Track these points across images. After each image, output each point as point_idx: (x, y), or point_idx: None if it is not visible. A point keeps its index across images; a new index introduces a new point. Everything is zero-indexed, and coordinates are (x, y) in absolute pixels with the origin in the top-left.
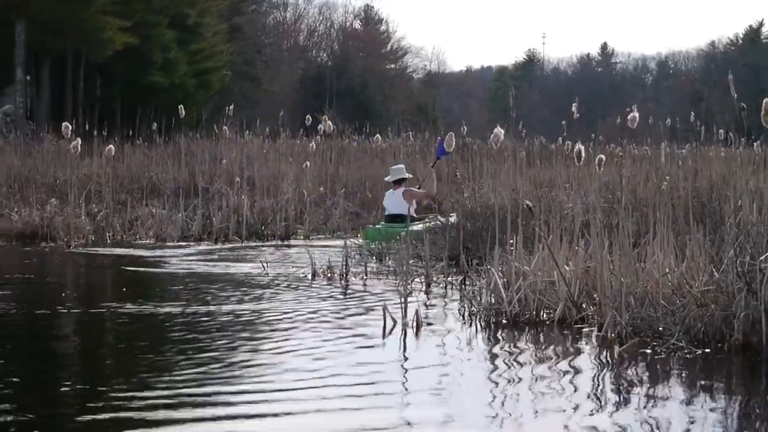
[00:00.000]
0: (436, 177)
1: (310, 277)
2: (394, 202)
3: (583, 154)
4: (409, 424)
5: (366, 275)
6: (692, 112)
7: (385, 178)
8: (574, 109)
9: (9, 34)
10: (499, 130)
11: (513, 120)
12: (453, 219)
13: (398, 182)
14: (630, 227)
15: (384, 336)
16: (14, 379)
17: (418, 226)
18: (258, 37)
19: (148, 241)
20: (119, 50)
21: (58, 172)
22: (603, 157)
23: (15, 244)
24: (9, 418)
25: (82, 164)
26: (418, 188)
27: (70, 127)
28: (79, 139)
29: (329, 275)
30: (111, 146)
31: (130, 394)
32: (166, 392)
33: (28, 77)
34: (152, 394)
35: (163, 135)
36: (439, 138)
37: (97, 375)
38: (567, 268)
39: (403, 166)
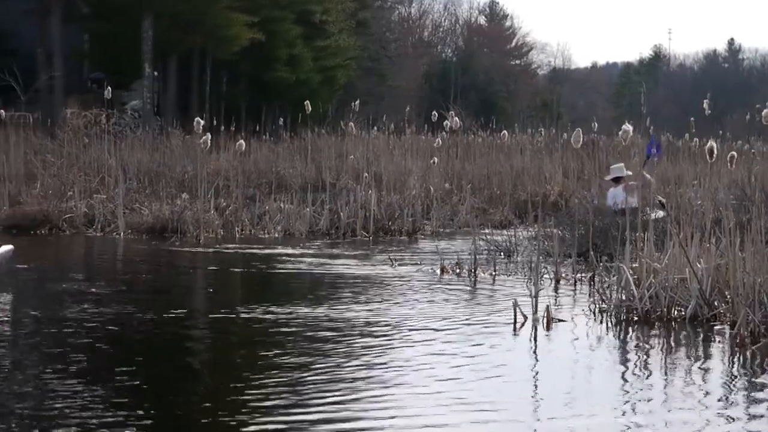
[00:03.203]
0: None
1: (438, 273)
2: (618, 198)
3: (715, 151)
4: (539, 419)
5: (494, 271)
6: None
7: (605, 177)
8: (705, 105)
9: (137, 31)
10: (628, 127)
11: (644, 116)
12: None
13: (617, 180)
14: (762, 224)
15: (514, 331)
16: (143, 385)
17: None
18: (383, 33)
19: (276, 236)
20: (245, 46)
21: (186, 167)
22: (735, 153)
23: (145, 237)
24: (138, 418)
25: (210, 159)
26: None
27: (201, 122)
28: (209, 134)
29: (458, 271)
30: (242, 141)
31: (261, 393)
32: (295, 395)
33: (156, 73)
34: (283, 398)
35: (288, 131)
36: (652, 138)
37: (223, 378)
38: (698, 266)
39: (622, 165)
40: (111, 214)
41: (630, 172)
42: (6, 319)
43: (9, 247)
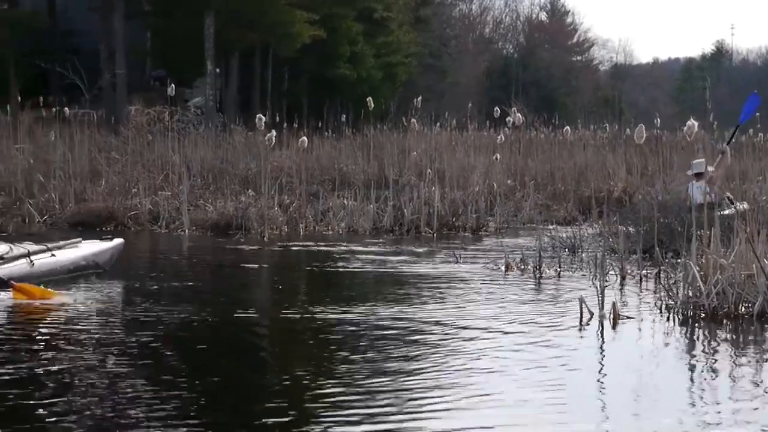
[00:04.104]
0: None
1: (503, 269)
2: (699, 193)
3: None
4: (606, 417)
5: (559, 268)
6: None
7: (687, 172)
8: None
9: (199, 28)
10: (692, 123)
11: (708, 111)
12: (743, 206)
13: (698, 175)
14: None
15: (580, 328)
16: (212, 378)
17: (726, 212)
18: (443, 29)
19: (339, 232)
20: (307, 43)
21: (249, 164)
22: None
23: (210, 234)
24: (207, 419)
25: (273, 156)
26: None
27: (264, 119)
28: (274, 131)
29: (522, 268)
30: (304, 138)
31: (328, 397)
32: (362, 397)
33: (218, 70)
34: (352, 398)
35: (350, 127)
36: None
37: (292, 378)
38: (766, 261)
39: (703, 160)
40: (175, 211)
41: (711, 168)
42: (78, 317)
43: (120, 240)
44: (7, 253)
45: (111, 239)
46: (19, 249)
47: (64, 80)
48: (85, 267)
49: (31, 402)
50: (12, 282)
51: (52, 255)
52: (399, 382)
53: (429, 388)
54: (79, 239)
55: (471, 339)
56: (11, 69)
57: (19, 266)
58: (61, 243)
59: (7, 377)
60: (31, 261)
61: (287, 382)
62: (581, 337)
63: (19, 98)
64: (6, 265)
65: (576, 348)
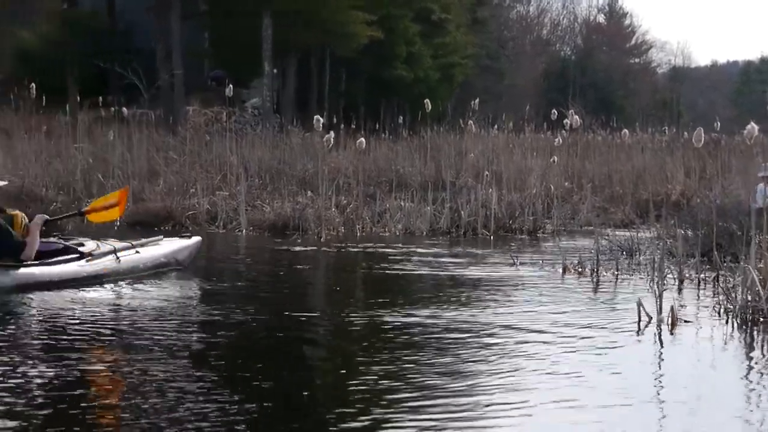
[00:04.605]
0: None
1: (560, 272)
2: (761, 196)
3: None
4: (666, 423)
5: (617, 270)
6: None
7: (759, 174)
8: None
9: (256, 29)
10: (752, 126)
11: None
12: None
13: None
14: None
15: (638, 332)
16: (272, 382)
17: None
18: (501, 31)
19: (396, 234)
20: (364, 44)
21: (307, 165)
22: None
23: (267, 235)
24: (264, 422)
25: (330, 157)
26: None
27: (321, 120)
28: (332, 132)
29: (580, 270)
30: (362, 139)
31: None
32: (419, 402)
33: (275, 71)
34: (410, 402)
35: (407, 128)
36: None
37: (341, 385)
38: None
39: None
40: (233, 211)
41: None
42: (135, 317)
43: (198, 238)
44: (95, 249)
45: (189, 237)
46: (105, 246)
47: (123, 80)
48: (166, 264)
49: (83, 404)
50: (82, 210)
51: (137, 252)
52: (461, 385)
53: (488, 392)
54: (161, 237)
55: (529, 342)
56: (71, 69)
57: (106, 262)
58: (144, 240)
59: (57, 377)
60: (118, 257)
61: (351, 387)
62: (639, 340)
63: (78, 98)
64: (94, 261)
65: (634, 351)
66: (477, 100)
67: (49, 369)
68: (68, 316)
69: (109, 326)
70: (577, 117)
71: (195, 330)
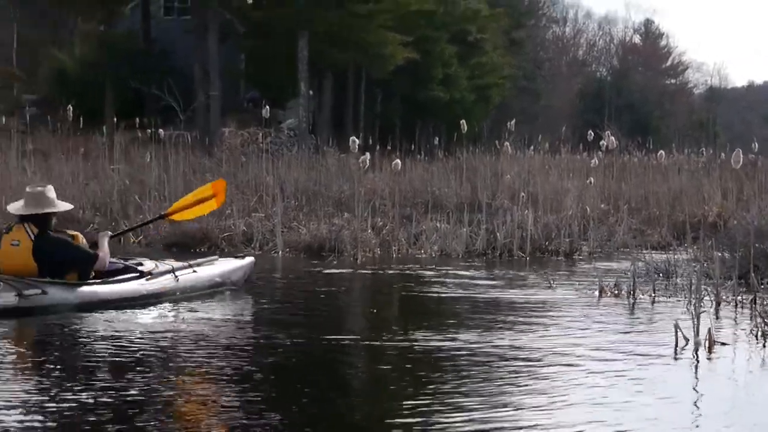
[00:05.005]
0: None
1: (597, 294)
2: None
3: None
4: None
5: (654, 293)
6: None
7: None
8: None
9: (292, 50)
10: None
11: None
12: None
13: None
14: None
15: (676, 354)
16: (308, 407)
17: None
18: (537, 51)
19: (432, 255)
20: (400, 65)
21: (343, 186)
22: None
23: (303, 256)
24: None
25: (366, 178)
26: None
27: (357, 141)
28: (368, 154)
29: (616, 293)
30: (398, 160)
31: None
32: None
33: (311, 92)
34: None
35: (443, 149)
36: None
37: (375, 412)
38: None
39: None
40: (269, 233)
41: None
42: (189, 337)
43: (251, 259)
44: (154, 269)
45: (243, 257)
46: (164, 265)
47: (160, 102)
48: (221, 284)
49: (133, 421)
50: (163, 213)
51: (194, 271)
52: (500, 409)
53: (526, 417)
54: (216, 257)
55: (567, 366)
56: (108, 91)
57: (165, 281)
58: (200, 260)
59: (97, 397)
60: (176, 276)
61: (390, 411)
62: (676, 362)
63: (115, 119)
64: (154, 280)
65: (671, 374)
66: (513, 121)
67: (108, 386)
68: (129, 333)
69: (166, 345)
70: (613, 138)
71: (241, 352)
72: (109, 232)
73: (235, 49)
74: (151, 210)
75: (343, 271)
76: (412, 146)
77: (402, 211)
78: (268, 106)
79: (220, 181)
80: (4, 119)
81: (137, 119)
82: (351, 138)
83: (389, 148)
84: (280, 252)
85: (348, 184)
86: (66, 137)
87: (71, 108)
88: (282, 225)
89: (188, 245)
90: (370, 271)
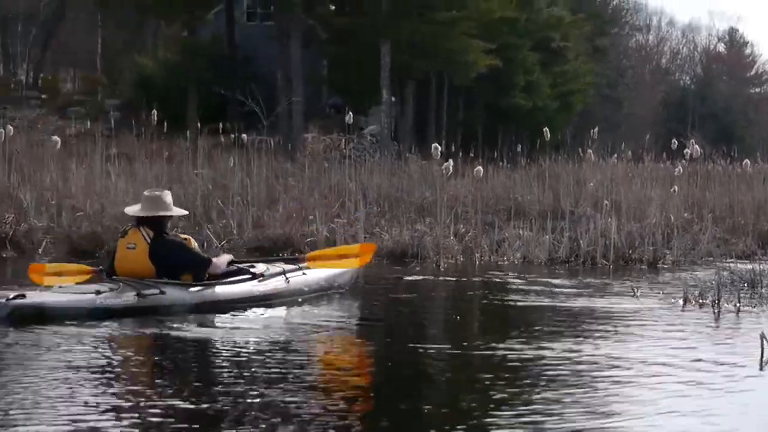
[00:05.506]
0: None
1: (681, 303)
2: None
3: None
4: None
5: (738, 302)
6: None
7: None
8: None
9: (375, 56)
10: None
11: None
12: None
13: None
14: None
15: (761, 365)
16: (395, 414)
17: None
18: (620, 59)
19: (515, 263)
20: (482, 72)
21: (425, 193)
22: None
23: (386, 262)
24: None
25: (448, 185)
26: None
27: (440, 148)
28: (451, 161)
29: (701, 302)
30: (480, 167)
31: None
32: None
33: (393, 98)
34: None
35: (525, 157)
36: None
37: (467, 422)
38: None
39: None
40: (351, 239)
41: None
42: (294, 339)
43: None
44: (266, 271)
45: None
46: (275, 268)
47: (243, 107)
48: (329, 287)
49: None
50: (301, 256)
51: (304, 273)
52: (588, 418)
53: (612, 425)
54: None
55: (651, 375)
56: (191, 96)
57: (276, 283)
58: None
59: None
60: (287, 278)
61: (479, 421)
62: (762, 373)
63: (198, 124)
64: (266, 282)
65: (756, 385)
66: (596, 129)
67: (213, 390)
68: (243, 333)
69: (275, 347)
70: (697, 146)
71: (314, 358)
72: (231, 256)
73: (317, 55)
74: (234, 215)
75: (426, 277)
76: (495, 153)
77: (484, 217)
78: (351, 113)
79: (370, 245)
80: (88, 124)
81: (220, 124)
82: (433, 145)
83: (471, 155)
84: None
85: (430, 190)
86: (150, 141)
87: (155, 112)
88: (364, 231)
89: (271, 250)
90: (452, 278)
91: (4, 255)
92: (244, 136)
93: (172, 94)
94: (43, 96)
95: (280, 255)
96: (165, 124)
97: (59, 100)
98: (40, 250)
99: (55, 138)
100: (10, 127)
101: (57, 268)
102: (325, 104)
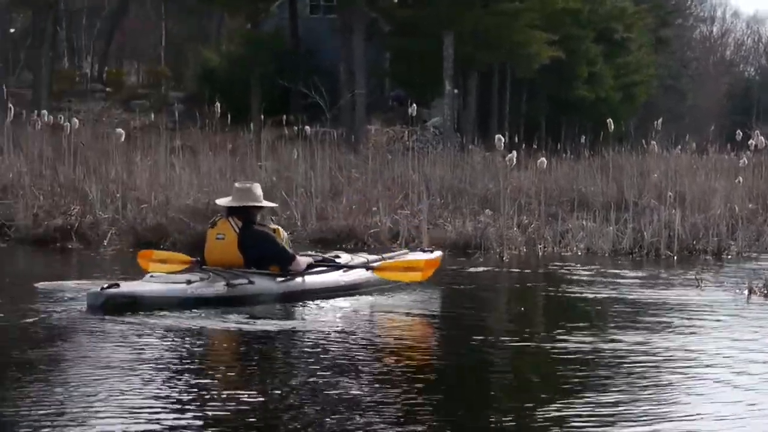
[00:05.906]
0: None
1: (746, 294)
2: None
3: None
4: None
5: None
6: None
7: None
8: None
9: (438, 49)
10: None
11: None
12: None
13: None
14: None
15: None
16: (454, 408)
17: None
18: (684, 51)
19: (578, 254)
20: (545, 64)
21: (488, 184)
22: None
23: (449, 253)
24: None
25: (511, 176)
26: None
27: (503, 139)
28: (515, 152)
29: (766, 293)
30: (543, 159)
31: None
32: None
33: (456, 90)
34: None
35: (588, 148)
36: None
37: (534, 415)
38: None
39: None
40: (415, 230)
41: None
42: (310, 335)
43: (439, 253)
44: (349, 261)
45: (432, 251)
46: (358, 258)
47: (306, 99)
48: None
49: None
50: (372, 266)
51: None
52: (657, 411)
53: (679, 417)
54: (405, 251)
55: (718, 367)
56: (255, 88)
57: (360, 273)
58: (392, 254)
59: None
60: (369, 269)
61: (545, 414)
62: None
63: (262, 117)
64: (350, 272)
65: None
66: (660, 120)
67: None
68: (330, 323)
69: (359, 337)
70: (762, 138)
71: (371, 348)
72: (311, 259)
73: (380, 48)
74: (298, 207)
75: (490, 268)
76: (558, 145)
77: (548, 209)
78: (414, 105)
79: (435, 260)
80: (153, 116)
81: (283, 116)
82: (496, 136)
83: (534, 146)
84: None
85: (493, 182)
86: (213, 133)
87: (218, 105)
88: (428, 222)
89: (334, 242)
90: (516, 270)
91: (70, 246)
92: (307, 128)
93: (236, 86)
94: (108, 89)
95: (340, 247)
96: (228, 116)
97: (124, 93)
98: (105, 242)
99: (120, 131)
100: (76, 120)
101: (162, 255)
102: (387, 96)
